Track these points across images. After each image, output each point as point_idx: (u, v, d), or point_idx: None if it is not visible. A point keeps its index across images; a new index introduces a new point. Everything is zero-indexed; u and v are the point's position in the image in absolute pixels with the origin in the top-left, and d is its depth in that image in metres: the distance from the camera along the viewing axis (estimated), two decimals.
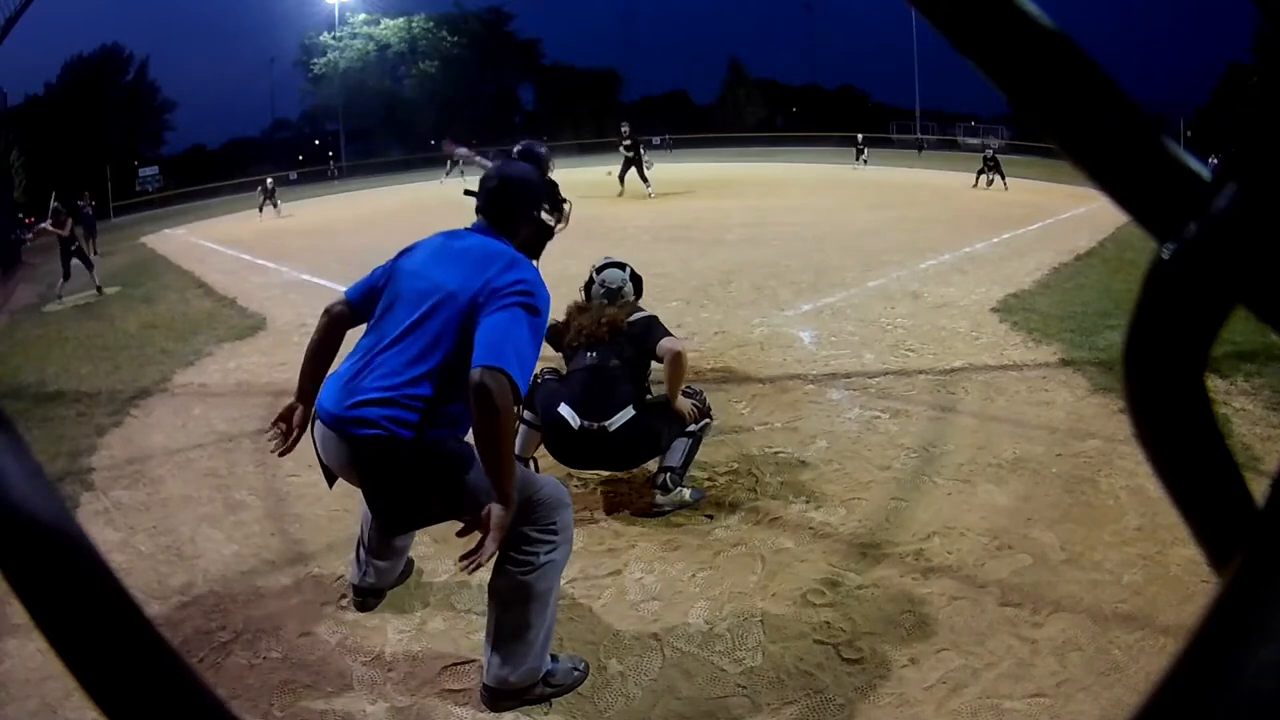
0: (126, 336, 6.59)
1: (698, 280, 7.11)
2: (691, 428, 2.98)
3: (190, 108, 41.89)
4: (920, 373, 4.49)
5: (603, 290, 3.18)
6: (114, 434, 4.19)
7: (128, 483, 3.56)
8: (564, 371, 3.09)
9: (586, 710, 2.03)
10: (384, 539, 2.38)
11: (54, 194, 10.90)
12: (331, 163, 37.24)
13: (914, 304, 6.11)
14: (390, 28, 39.06)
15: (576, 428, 2.82)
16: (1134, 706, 0.16)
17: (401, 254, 2.10)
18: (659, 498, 2.96)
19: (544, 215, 2.12)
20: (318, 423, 1.97)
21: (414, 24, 39.58)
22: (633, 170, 15.65)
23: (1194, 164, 0.19)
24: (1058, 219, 11.05)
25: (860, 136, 24.61)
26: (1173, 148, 0.19)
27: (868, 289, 6.71)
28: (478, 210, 2.10)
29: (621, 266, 3.28)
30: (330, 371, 2.06)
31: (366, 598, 2.47)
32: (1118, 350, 0.21)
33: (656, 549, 2.74)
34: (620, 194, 15.38)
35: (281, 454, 2.16)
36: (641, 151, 15.89)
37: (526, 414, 3.06)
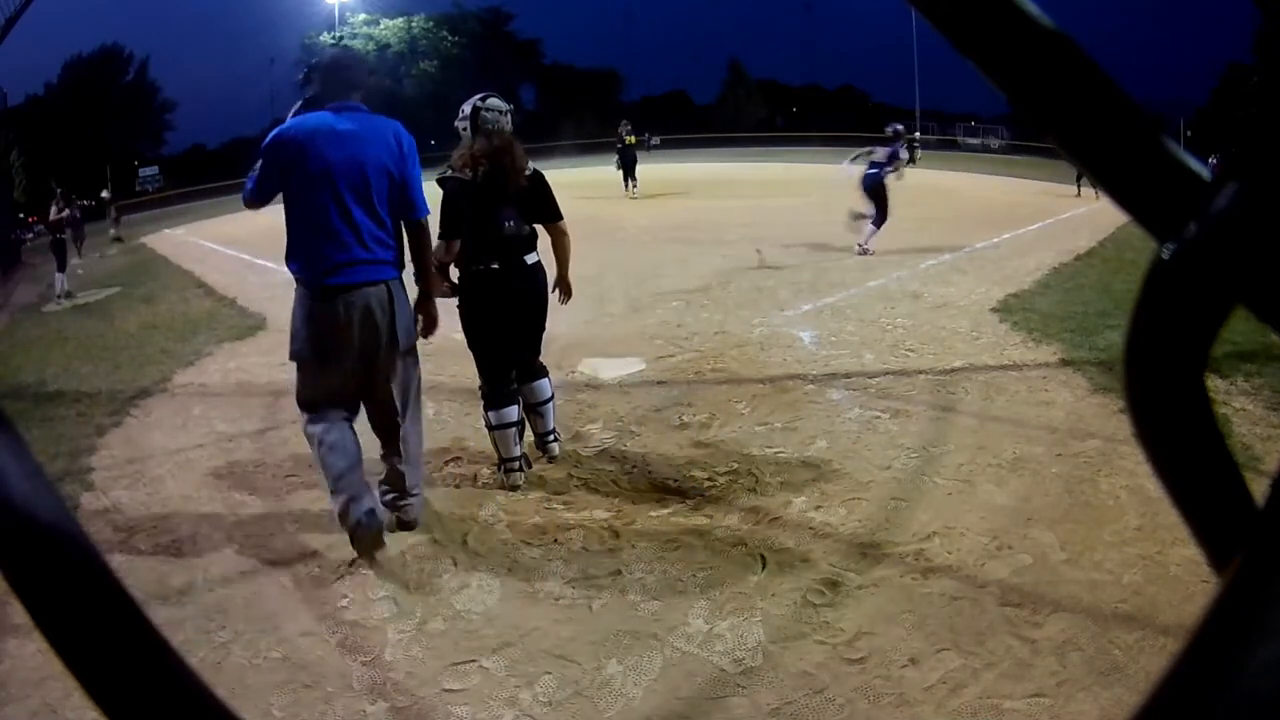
0: (126, 336, 6.59)
1: (698, 280, 7.11)
2: (551, 391, 3.44)
3: (190, 108, 41.97)
4: (920, 373, 4.49)
5: (499, 128, 3.13)
6: (114, 434, 4.19)
7: (128, 483, 3.56)
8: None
9: (586, 710, 2.03)
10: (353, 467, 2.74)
11: (53, 183, 10.91)
12: None
13: (914, 304, 6.11)
14: (390, 28, 39.07)
15: (499, 269, 3.12)
16: (1134, 706, 0.16)
17: (293, 153, 2.57)
18: (556, 449, 3.46)
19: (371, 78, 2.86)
20: (332, 293, 2.61)
21: (414, 24, 39.58)
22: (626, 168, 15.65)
23: (1194, 164, 0.19)
24: (1058, 219, 11.05)
25: (916, 135, 23.98)
26: (1173, 148, 0.19)
27: (868, 289, 6.71)
28: (326, 94, 2.65)
29: (501, 99, 3.25)
30: (304, 252, 2.66)
31: (368, 526, 2.66)
32: (1118, 350, 0.21)
33: (656, 549, 2.74)
34: (633, 193, 15.33)
35: None
36: (636, 152, 15.86)
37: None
